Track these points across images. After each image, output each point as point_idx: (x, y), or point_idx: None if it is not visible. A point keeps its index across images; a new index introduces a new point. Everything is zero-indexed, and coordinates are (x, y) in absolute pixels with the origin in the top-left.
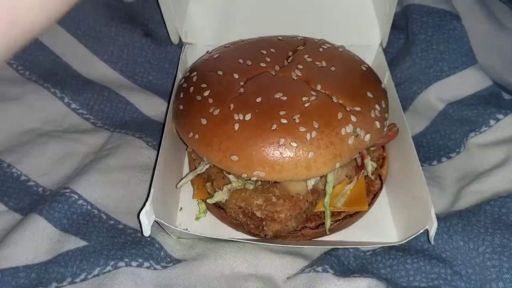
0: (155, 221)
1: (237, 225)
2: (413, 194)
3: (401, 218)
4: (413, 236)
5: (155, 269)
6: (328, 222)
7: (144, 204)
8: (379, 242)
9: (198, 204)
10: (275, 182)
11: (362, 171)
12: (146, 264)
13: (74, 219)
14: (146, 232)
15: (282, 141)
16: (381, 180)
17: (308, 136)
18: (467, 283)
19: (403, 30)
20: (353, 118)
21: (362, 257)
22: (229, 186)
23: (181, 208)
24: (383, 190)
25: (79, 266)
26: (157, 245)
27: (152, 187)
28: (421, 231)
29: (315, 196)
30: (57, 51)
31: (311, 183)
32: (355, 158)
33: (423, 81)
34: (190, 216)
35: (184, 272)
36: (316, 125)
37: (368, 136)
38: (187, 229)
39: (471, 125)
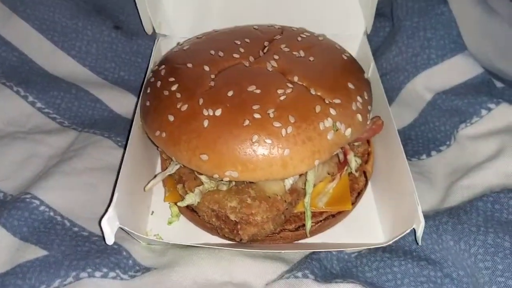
0: (121, 228)
1: (211, 229)
2: (399, 192)
3: (387, 217)
4: (399, 237)
5: (121, 279)
6: (309, 224)
7: (107, 210)
8: (364, 243)
9: (170, 207)
10: (250, 182)
11: (346, 167)
12: (111, 274)
13: (35, 227)
14: (109, 240)
15: (255, 137)
16: (366, 177)
17: (283, 131)
18: (459, 286)
19: (389, 18)
20: (333, 111)
21: (347, 260)
22: (200, 187)
23: (152, 212)
24: (369, 187)
25: (38, 278)
26: (124, 253)
27: (115, 191)
28: (408, 231)
29: (294, 196)
30: (20, 47)
31: (289, 182)
32: (337, 154)
33: (410, 70)
34: (162, 220)
35: (153, 282)
36: (292, 119)
37: (349, 131)
38: (158, 234)
39: (462, 116)
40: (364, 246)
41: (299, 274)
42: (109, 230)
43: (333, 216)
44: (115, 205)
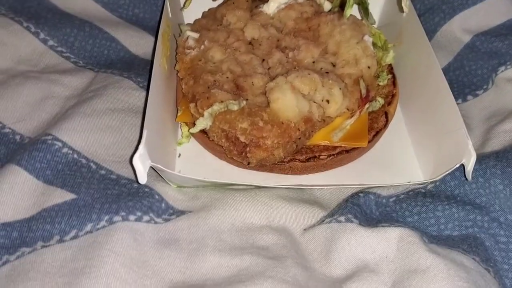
0: (151, 168)
1: (220, 153)
2: (444, 129)
3: (428, 157)
4: (448, 172)
5: (155, 222)
6: (348, 11)
7: (137, 148)
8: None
9: (181, 127)
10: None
11: (366, 106)
12: (145, 217)
13: (59, 170)
14: (142, 179)
15: None
16: (387, 118)
17: None
18: (507, 230)
19: None
20: None
21: (385, 205)
22: (210, 110)
23: (179, 155)
24: (405, 131)
25: (68, 222)
26: (156, 196)
27: (144, 128)
28: (457, 165)
29: (309, 126)
30: None
31: (304, 109)
32: (360, 90)
33: (446, 11)
34: (190, 162)
35: (189, 225)
36: None
37: None
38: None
39: (501, 58)
40: (411, 184)
41: (342, 218)
42: (142, 168)
43: (347, 151)
44: (145, 142)
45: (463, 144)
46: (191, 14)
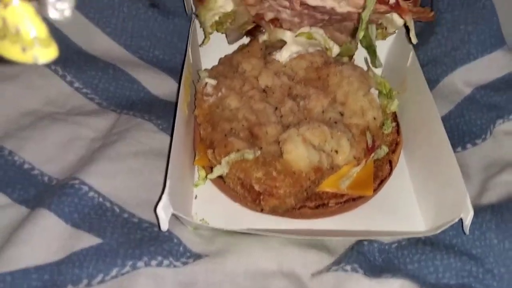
0: (172, 214)
1: (235, 197)
2: (443, 181)
3: (428, 206)
4: (447, 226)
5: (175, 266)
6: (361, 34)
7: (160, 197)
8: (408, 232)
9: (198, 170)
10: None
11: (372, 154)
12: (165, 262)
13: (86, 213)
14: (164, 227)
15: None
16: (391, 166)
17: None
18: (500, 282)
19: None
20: None
21: (387, 251)
22: (227, 158)
23: (196, 196)
24: (407, 177)
25: (95, 267)
26: (175, 240)
27: (168, 178)
28: (456, 220)
29: (318, 175)
30: (56, 23)
31: (315, 159)
32: (366, 140)
33: (448, 64)
34: (206, 204)
35: (206, 269)
36: None
37: None
38: (203, 219)
39: (499, 111)
40: (410, 235)
41: (348, 267)
42: (165, 217)
43: (354, 200)
44: (168, 192)
45: (462, 199)
46: (209, 56)
